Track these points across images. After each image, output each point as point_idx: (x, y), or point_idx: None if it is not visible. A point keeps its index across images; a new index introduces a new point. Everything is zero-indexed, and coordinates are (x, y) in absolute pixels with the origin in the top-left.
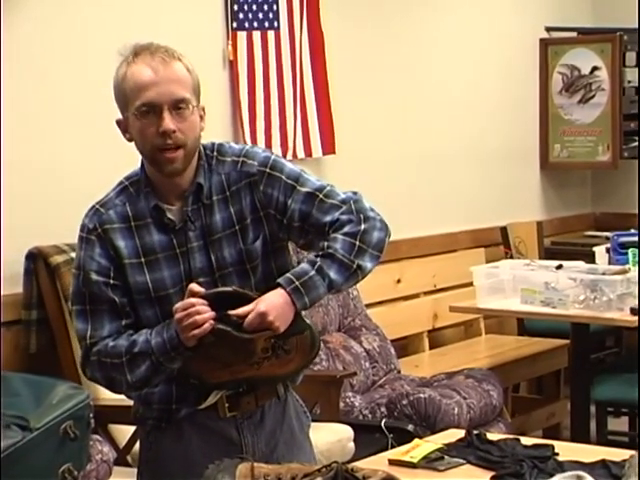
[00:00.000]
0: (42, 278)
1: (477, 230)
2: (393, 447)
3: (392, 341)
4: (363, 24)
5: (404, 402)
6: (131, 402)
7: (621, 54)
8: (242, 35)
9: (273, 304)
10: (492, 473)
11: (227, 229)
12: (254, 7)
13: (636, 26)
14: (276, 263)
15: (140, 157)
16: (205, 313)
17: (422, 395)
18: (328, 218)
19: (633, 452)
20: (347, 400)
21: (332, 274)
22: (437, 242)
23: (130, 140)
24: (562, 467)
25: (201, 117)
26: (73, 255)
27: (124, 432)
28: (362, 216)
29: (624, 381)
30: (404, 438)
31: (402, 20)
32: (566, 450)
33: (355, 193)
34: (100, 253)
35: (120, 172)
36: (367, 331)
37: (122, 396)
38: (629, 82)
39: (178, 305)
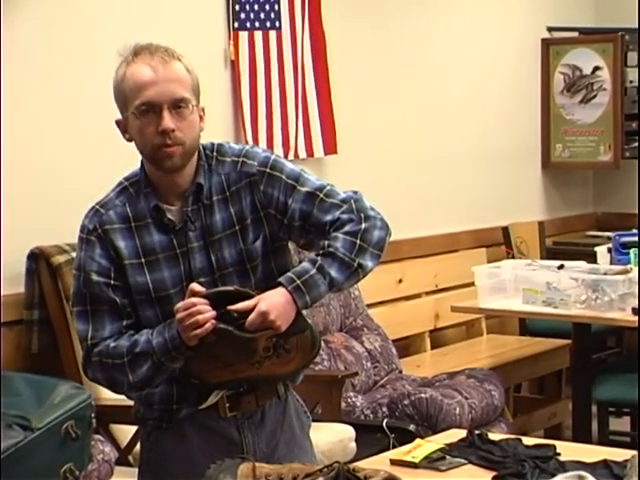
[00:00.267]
0: (44, 278)
1: (479, 230)
2: (395, 447)
3: (394, 341)
4: (364, 24)
5: (406, 402)
6: (132, 402)
7: (623, 54)
8: (244, 35)
9: (274, 303)
10: (494, 473)
11: (227, 229)
12: (256, 7)
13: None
14: (276, 263)
15: (140, 158)
16: (206, 312)
17: (424, 395)
18: (329, 217)
19: (635, 452)
20: (349, 400)
21: (333, 273)
22: (439, 242)
23: (130, 140)
24: (564, 467)
25: (201, 117)
26: (74, 255)
27: (126, 432)
28: (363, 215)
29: (626, 381)
30: (406, 438)
31: (404, 20)
32: (568, 450)
33: (355, 192)
34: (100, 254)
35: (122, 172)
36: (369, 331)
37: (123, 396)
38: (631, 82)
39: (179, 305)
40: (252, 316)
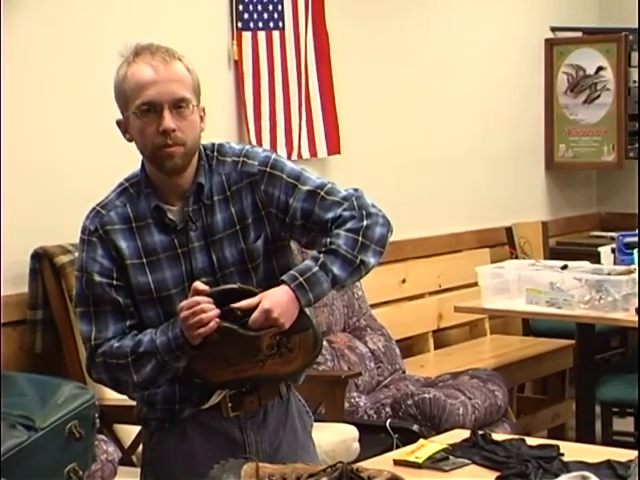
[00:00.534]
0: (47, 278)
1: (482, 230)
2: (398, 447)
3: (397, 341)
4: (368, 24)
5: (409, 402)
6: (135, 402)
7: (626, 54)
8: (247, 35)
9: (277, 301)
10: (497, 473)
11: (228, 229)
12: (259, 7)
13: None
14: (278, 262)
15: (140, 158)
16: (210, 311)
17: (427, 395)
18: (330, 215)
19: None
20: (352, 400)
21: (335, 270)
22: (442, 242)
23: (130, 140)
24: (567, 467)
25: (201, 117)
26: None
27: (129, 432)
28: (364, 212)
29: (629, 381)
30: (409, 438)
31: (407, 20)
32: (571, 450)
33: (356, 190)
34: (102, 254)
35: (125, 172)
36: (372, 331)
37: (126, 396)
38: (634, 82)
39: (183, 303)
40: (255, 314)
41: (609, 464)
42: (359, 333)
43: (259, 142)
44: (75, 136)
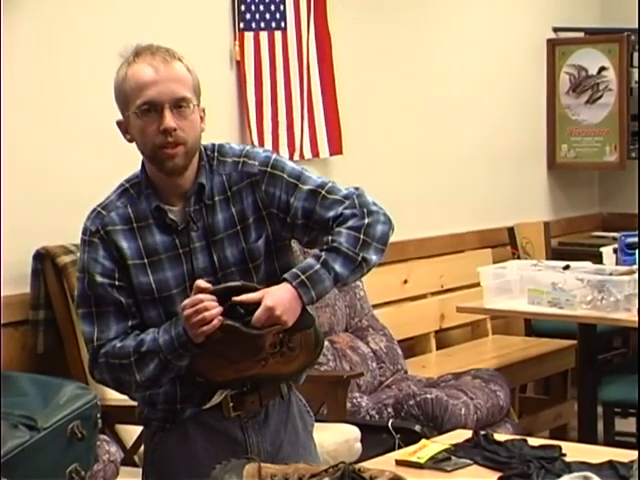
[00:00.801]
0: (49, 278)
1: (484, 231)
2: (400, 447)
3: (399, 341)
4: (370, 25)
5: (411, 402)
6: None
7: (628, 54)
8: (249, 35)
9: (280, 299)
10: (499, 474)
11: (229, 229)
12: (261, 7)
13: None
14: (279, 262)
15: (141, 159)
16: (213, 309)
17: (429, 395)
18: (332, 213)
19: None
20: (354, 400)
21: (337, 267)
22: (444, 242)
23: (131, 141)
24: (569, 468)
25: (201, 118)
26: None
27: (131, 432)
28: (365, 210)
29: (631, 382)
30: (411, 438)
31: (409, 20)
32: (573, 451)
33: (357, 188)
34: (104, 255)
35: (127, 172)
36: (374, 331)
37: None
38: (636, 82)
39: (186, 302)
40: (258, 312)
41: (611, 464)
42: (361, 333)
43: (261, 142)
44: (76, 136)
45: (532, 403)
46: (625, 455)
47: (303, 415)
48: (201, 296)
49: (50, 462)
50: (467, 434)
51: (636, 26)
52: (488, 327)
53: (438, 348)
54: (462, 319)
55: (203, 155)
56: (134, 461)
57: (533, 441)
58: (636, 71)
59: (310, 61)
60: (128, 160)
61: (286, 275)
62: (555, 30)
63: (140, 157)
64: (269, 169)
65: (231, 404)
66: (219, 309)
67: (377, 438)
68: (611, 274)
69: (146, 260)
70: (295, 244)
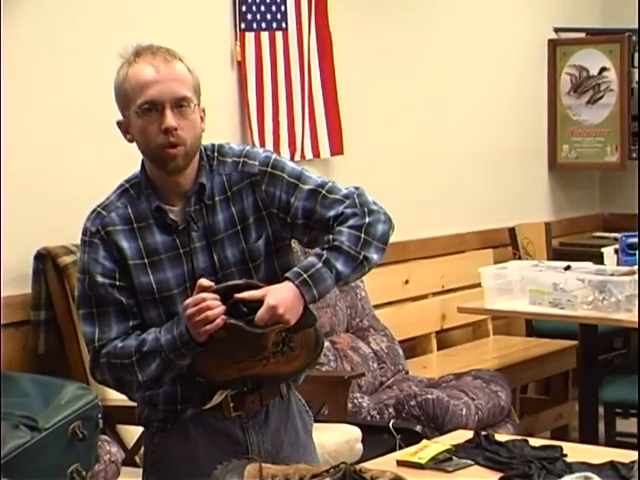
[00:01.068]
0: (51, 279)
1: (485, 231)
2: (401, 448)
3: (400, 342)
4: (371, 25)
5: (412, 403)
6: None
7: (630, 55)
8: (250, 36)
9: (282, 297)
10: (500, 474)
11: (229, 229)
12: (262, 8)
13: None
14: (279, 262)
15: (140, 159)
16: (216, 308)
17: (430, 396)
18: (332, 213)
19: None
20: (355, 401)
21: (339, 266)
22: (445, 243)
23: (131, 141)
24: (570, 468)
25: (201, 118)
26: None
27: (132, 432)
28: (366, 209)
29: (632, 382)
30: (412, 439)
31: (410, 21)
32: (574, 451)
33: (357, 188)
34: (104, 255)
35: (128, 172)
36: (375, 332)
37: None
38: (637, 83)
39: (189, 301)
40: (261, 311)
41: (612, 465)
42: (362, 334)
43: (262, 143)
44: (76, 136)
45: (533, 403)
46: (626, 455)
47: (302, 415)
48: (204, 295)
49: (51, 462)
50: (468, 434)
51: (637, 26)
52: (489, 327)
53: (439, 348)
54: (463, 319)
55: (203, 155)
56: (135, 461)
57: (534, 441)
58: (637, 71)
59: (311, 61)
60: (129, 160)
61: (288, 274)
62: (556, 30)
63: (140, 157)
64: (269, 169)
65: (232, 404)
66: (222, 308)
67: (378, 438)
68: (612, 275)
69: (146, 260)
70: (295, 244)
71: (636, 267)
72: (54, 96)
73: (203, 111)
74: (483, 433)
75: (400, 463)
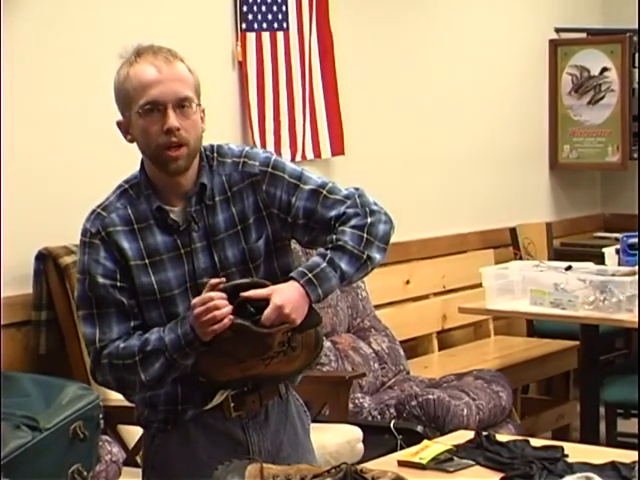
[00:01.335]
0: (52, 279)
1: (486, 231)
2: (402, 448)
3: (401, 342)
4: (372, 26)
5: (413, 403)
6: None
7: (631, 55)
8: (251, 36)
9: (288, 297)
10: (501, 474)
11: (230, 229)
12: (263, 8)
13: None
14: (278, 262)
15: (139, 160)
16: (224, 308)
17: (431, 396)
18: (333, 213)
19: None
20: (356, 401)
21: (343, 265)
22: (446, 243)
23: (131, 141)
24: (572, 468)
25: (201, 118)
26: None
27: (133, 433)
28: (368, 210)
29: (634, 383)
30: (413, 439)
31: (411, 22)
32: (576, 451)
33: (357, 188)
34: (105, 256)
35: (129, 172)
36: (376, 332)
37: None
38: (638, 83)
39: (196, 300)
40: (268, 311)
41: (613, 465)
42: (363, 334)
43: (263, 143)
44: (77, 136)
45: (534, 404)
46: (627, 456)
47: (301, 415)
48: (212, 294)
49: (52, 463)
50: (469, 435)
51: (637, 27)
52: (490, 328)
53: (440, 349)
54: (464, 320)
55: (203, 156)
56: (136, 461)
57: (535, 442)
58: (638, 72)
59: (312, 62)
60: (129, 160)
61: (293, 273)
62: (557, 31)
63: (140, 157)
64: (270, 169)
65: (232, 404)
66: (229, 308)
67: (379, 439)
68: (613, 275)
69: (147, 261)
70: (294, 244)
71: (637, 267)
72: (54, 96)
73: (203, 111)
74: (484, 433)
75: (401, 463)
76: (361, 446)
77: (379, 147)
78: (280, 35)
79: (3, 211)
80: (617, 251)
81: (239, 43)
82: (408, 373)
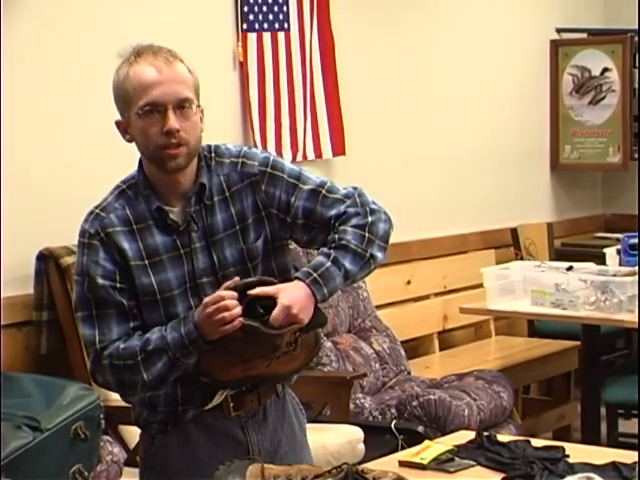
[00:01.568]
0: (53, 279)
1: (487, 231)
2: (403, 448)
3: (402, 342)
4: (373, 26)
5: (414, 403)
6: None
7: (632, 55)
8: (252, 36)
9: (295, 297)
10: (502, 475)
11: (228, 229)
12: (264, 8)
13: None
14: (276, 262)
15: (137, 160)
16: (233, 309)
17: (432, 396)
18: (333, 212)
19: None
20: (357, 401)
21: (347, 264)
22: (447, 243)
23: (130, 141)
24: (573, 469)
25: (200, 118)
26: None
27: (134, 433)
28: (368, 209)
29: (634, 383)
30: (414, 439)
31: (412, 22)
32: (577, 452)
33: (355, 188)
34: (104, 257)
35: (130, 172)
36: (377, 332)
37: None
38: (639, 83)
39: (208, 299)
40: (276, 312)
41: (614, 466)
42: (364, 334)
43: (264, 143)
44: (77, 136)
45: (535, 404)
46: (628, 456)
47: (297, 413)
48: (223, 293)
49: (53, 463)
50: (470, 435)
51: (638, 27)
52: (491, 328)
53: (441, 349)
54: (465, 320)
55: (201, 156)
56: (137, 462)
57: (536, 442)
58: (639, 72)
59: (313, 62)
60: (130, 160)
61: (298, 274)
62: (558, 31)
63: (139, 157)
64: (269, 169)
65: (231, 404)
66: (239, 309)
67: (380, 439)
68: (614, 275)
69: (147, 261)
70: (290, 243)
71: (637, 267)
72: (54, 96)
73: (202, 111)
74: (485, 434)
75: (402, 464)
76: (362, 446)
77: (380, 147)
78: (281, 35)
79: (4, 211)
80: (618, 251)
81: (240, 43)
82: (409, 373)
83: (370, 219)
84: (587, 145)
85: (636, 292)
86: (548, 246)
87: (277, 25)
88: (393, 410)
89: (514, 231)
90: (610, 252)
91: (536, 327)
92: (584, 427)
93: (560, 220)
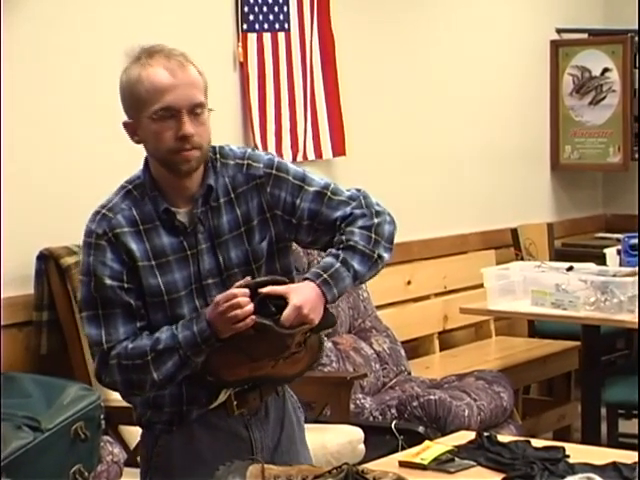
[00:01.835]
0: (53, 279)
1: (488, 232)
2: (403, 449)
3: (402, 343)
4: (373, 26)
5: (414, 404)
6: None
7: (632, 55)
8: (252, 37)
9: (306, 297)
10: (503, 475)
11: (234, 231)
12: (264, 9)
13: None
14: (280, 263)
15: (142, 160)
16: (246, 306)
17: (432, 397)
18: (339, 213)
19: None
20: (357, 402)
21: (356, 265)
22: (448, 244)
23: (139, 142)
24: (573, 469)
25: None
26: None
27: (134, 433)
28: (373, 210)
29: (635, 383)
30: (414, 440)
31: (413, 22)
32: (577, 452)
33: (359, 190)
34: (112, 258)
35: (130, 172)
36: (377, 333)
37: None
38: None
39: (221, 297)
40: (287, 311)
41: (615, 466)
42: (364, 334)
43: (264, 144)
44: (78, 136)
45: (535, 404)
46: (628, 456)
47: (296, 410)
48: (235, 291)
49: (53, 463)
50: (470, 435)
51: (638, 27)
52: (491, 328)
53: (441, 349)
54: (465, 320)
55: (208, 157)
56: (137, 462)
57: (536, 442)
58: (639, 72)
59: (313, 62)
60: (130, 160)
61: (307, 274)
62: (558, 31)
63: (141, 157)
64: (274, 171)
65: (235, 402)
66: (251, 306)
67: (380, 439)
68: (614, 275)
69: (154, 262)
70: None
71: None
72: (54, 96)
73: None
74: (485, 434)
75: (402, 464)
76: (362, 447)
77: (380, 147)
78: (281, 36)
79: (4, 211)
80: (618, 252)
81: (240, 44)
82: (409, 374)
83: (376, 220)
84: (587, 145)
85: (636, 292)
86: (548, 246)
87: (277, 25)
88: (393, 410)
89: (514, 231)
90: (610, 252)
91: (536, 327)
92: (584, 427)
93: (560, 220)
